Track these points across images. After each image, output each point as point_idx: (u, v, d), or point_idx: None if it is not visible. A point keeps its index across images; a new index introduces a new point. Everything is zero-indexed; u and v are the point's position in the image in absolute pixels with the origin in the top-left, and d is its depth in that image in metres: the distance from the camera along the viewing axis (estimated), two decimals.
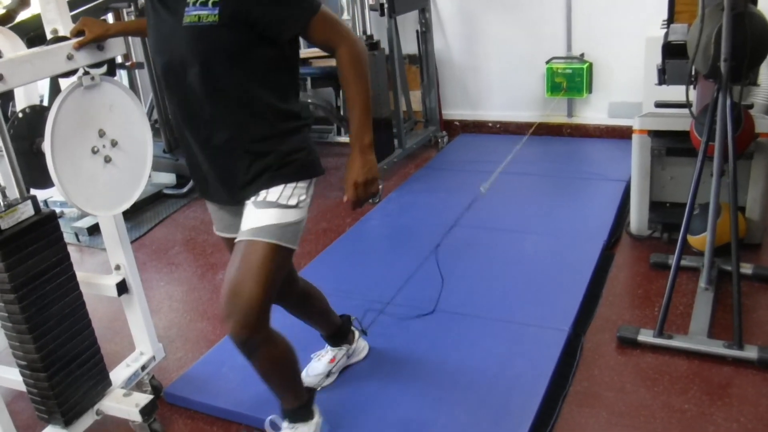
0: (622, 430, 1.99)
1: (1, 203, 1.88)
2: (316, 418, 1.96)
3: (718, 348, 2.22)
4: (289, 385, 1.89)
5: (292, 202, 1.69)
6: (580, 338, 2.40)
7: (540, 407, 2.04)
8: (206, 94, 1.61)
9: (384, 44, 4.07)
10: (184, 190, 4.11)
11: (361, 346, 2.36)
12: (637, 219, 3.00)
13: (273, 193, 1.68)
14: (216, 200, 1.84)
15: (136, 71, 4.41)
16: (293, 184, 1.70)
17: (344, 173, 1.73)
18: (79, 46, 1.83)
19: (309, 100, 4.31)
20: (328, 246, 3.26)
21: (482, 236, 3.18)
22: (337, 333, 2.26)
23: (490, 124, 4.66)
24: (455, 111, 4.74)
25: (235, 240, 1.72)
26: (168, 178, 4.25)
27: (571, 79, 4.17)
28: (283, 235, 1.67)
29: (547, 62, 4.23)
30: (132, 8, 3.64)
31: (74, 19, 1.98)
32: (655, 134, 2.85)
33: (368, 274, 2.94)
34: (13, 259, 1.83)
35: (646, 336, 2.31)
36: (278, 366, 1.82)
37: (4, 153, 1.93)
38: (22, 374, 1.99)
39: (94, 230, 3.73)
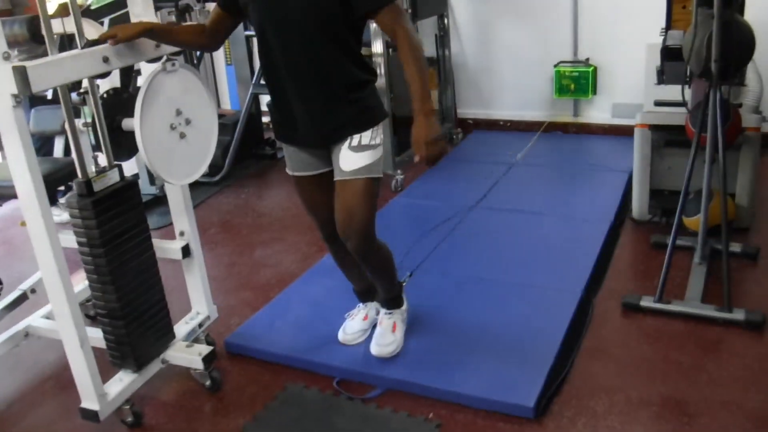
0: (628, 378, 2.29)
1: (93, 169, 2.18)
2: (405, 306, 2.54)
3: (710, 311, 2.52)
4: (390, 278, 2.43)
5: (376, 141, 2.12)
6: (591, 301, 2.71)
7: (556, 357, 2.33)
8: (304, 48, 1.98)
9: None
10: (217, 178, 4.40)
11: None
12: (639, 205, 3.30)
13: (365, 137, 2.11)
14: (301, 144, 2.20)
15: None
16: (375, 127, 2.13)
17: (411, 137, 1.99)
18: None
19: None
20: None
21: (501, 217, 3.50)
22: (369, 289, 2.56)
23: (501, 123, 4.97)
24: (469, 110, 5.06)
25: (336, 178, 2.13)
26: None
27: (577, 82, 4.50)
28: (375, 169, 2.12)
29: (555, 66, 4.56)
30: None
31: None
32: (654, 128, 3.16)
33: (398, 246, 3.19)
34: (104, 217, 2.12)
35: (647, 302, 2.61)
36: (384, 264, 2.34)
37: (90, 128, 2.23)
38: (101, 322, 2.25)
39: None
